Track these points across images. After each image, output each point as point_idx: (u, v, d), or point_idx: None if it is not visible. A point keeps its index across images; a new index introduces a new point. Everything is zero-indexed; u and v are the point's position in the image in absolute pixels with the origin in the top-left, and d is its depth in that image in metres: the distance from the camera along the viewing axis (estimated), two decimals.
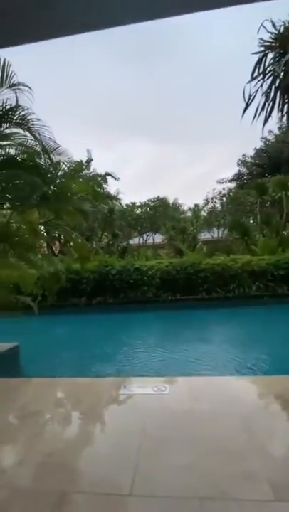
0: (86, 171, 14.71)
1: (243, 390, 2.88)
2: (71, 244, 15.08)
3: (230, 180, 22.72)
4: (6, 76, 4.54)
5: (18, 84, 4.59)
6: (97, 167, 17.12)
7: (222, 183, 23.01)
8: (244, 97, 4.05)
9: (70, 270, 9.37)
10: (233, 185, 23.05)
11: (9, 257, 5.02)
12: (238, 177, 22.55)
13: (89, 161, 16.31)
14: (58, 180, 5.07)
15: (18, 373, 4.40)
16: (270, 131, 19.68)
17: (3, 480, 1.80)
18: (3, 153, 4.87)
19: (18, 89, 4.58)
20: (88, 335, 7.26)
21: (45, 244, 12.62)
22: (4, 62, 4.51)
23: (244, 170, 22.57)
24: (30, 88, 4.60)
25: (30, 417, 2.46)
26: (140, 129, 33.35)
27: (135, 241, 24.47)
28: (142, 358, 5.24)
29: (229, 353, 5.29)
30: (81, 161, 14.68)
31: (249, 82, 3.97)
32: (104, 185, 16.92)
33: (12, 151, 4.84)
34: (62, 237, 15.37)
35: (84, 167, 14.32)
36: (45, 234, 10.93)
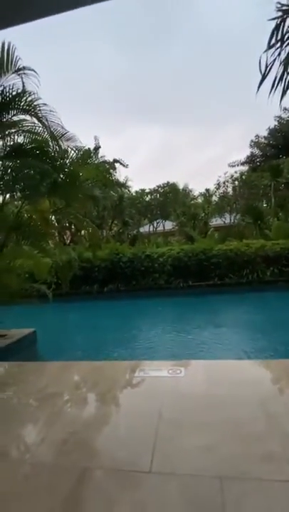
0: (94, 159, 14.52)
1: (260, 374, 2.86)
2: (82, 233, 15.21)
3: (243, 163, 21.79)
4: (11, 61, 4.43)
5: (24, 68, 4.48)
6: (105, 154, 16.86)
7: (234, 166, 22.14)
8: (260, 68, 3.73)
9: (81, 259, 9.48)
10: (245, 168, 22.20)
11: (22, 245, 5.09)
12: (250, 159, 21.59)
13: (97, 148, 16.08)
14: (67, 166, 5.00)
15: (35, 357, 4.57)
16: (285, 109, 18.60)
17: (27, 455, 1.88)
18: (11, 143, 4.83)
19: (24, 73, 4.47)
20: (101, 321, 7.41)
21: (56, 234, 12.76)
22: (9, 46, 4.39)
23: (257, 152, 21.57)
24: (35, 72, 4.48)
25: (49, 398, 2.55)
26: (147, 113, 32.44)
27: (145, 229, 24.36)
28: (153, 342, 5.31)
29: (244, 338, 5.26)
30: (88, 148, 14.48)
31: (266, 51, 3.63)
32: (113, 173, 16.72)
33: (20, 139, 4.79)
34: (73, 227, 15.50)
35: (92, 154, 14.14)
36: (56, 224, 11.03)
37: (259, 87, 3.42)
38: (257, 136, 21.37)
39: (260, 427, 1.89)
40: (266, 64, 3.83)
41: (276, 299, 8.09)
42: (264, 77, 3.54)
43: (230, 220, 20.67)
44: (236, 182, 22.99)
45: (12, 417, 2.33)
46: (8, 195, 5.38)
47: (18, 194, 5.29)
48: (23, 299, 4.96)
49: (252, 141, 21.50)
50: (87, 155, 6.96)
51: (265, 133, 20.92)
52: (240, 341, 4.97)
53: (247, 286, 8.96)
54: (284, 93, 3.32)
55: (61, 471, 1.66)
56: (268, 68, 3.68)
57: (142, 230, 22.75)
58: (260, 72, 3.68)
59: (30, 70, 4.43)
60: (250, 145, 21.59)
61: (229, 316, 7.17)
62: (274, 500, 1.37)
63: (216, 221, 21.53)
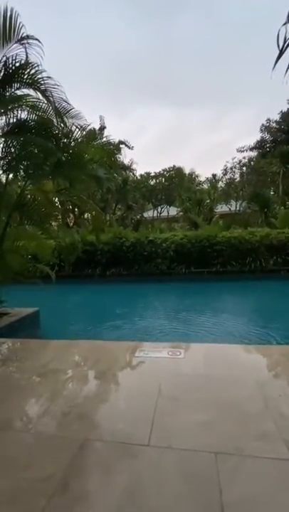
0: (99, 139, 14.14)
1: (258, 358, 2.90)
2: (86, 216, 15.07)
3: (252, 149, 21.21)
4: (14, 29, 4.19)
5: (27, 37, 4.25)
6: (111, 134, 16.37)
7: (242, 151, 21.55)
8: (278, 42, 3.51)
9: (84, 242, 9.48)
10: (254, 153, 21.59)
11: (25, 225, 5.06)
12: (260, 144, 20.95)
13: (102, 128, 15.62)
14: (72, 145, 4.86)
15: (38, 335, 4.67)
16: None
17: (30, 426, 1.95)
18: (14, 119, 4.67)
19: (27, 43, 4.25)
20: (103, 303, 7.52)
21: (60, 216, 12.68)
22: (12, 13, 4.15)
23: (267, 137, 20.87)
24: (39, 42, 4.26)
25: (51, 374, 2.62)
26: (155, 93, 31.17)
27: (149, 214, 24.13)
28: (151, 324, 5.42)
29: (241, 323, 5.32)
30: (94, 128, 14.06)
31: (285, 23, 3.41)
32: (118, 155, 16.31)
33: (24, 115, 4.63)
34: (76, 210, 15.37)
35: (97, 135, 13.75)
36: (59, 206, 10.91)
37: (276, 62, 3.22)
38: (268, 120, 20.58)
39: (257, 408, 1.93)
40: (285, 38, 3.59)
41: (277, 287, 8.10)
42: (282, 52, 3.33)
43: (236, 207, 20.35)
44: (244, 168, 22.44)
45: (16, 391, 2.41)
46: (11, 175, 5.29)
47: (22, 173, 5.20)
48: (26, 279, 5.01)
49: (263, 125, 20.74)
50: (92, 135, 6.75)
51: (277, 117, 20.12)
52: (233, 326, 5.08)
53: (249, 274, 8.94)
54: None
55: (62, 441, 1.73)
56: (287, 43, 3.46)
57: (145, 215, 22.53)
58: (278, 46, 3.47)
59: (34, 39, 4.20)
60: (261, 129, 20.86)
61: (227, 303, 7.26)
62: (266, 477, 1.42)
63: (221, 208, 21.21)
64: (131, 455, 1.60)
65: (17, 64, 4.16)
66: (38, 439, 1.78)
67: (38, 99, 4.44)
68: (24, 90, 4.44)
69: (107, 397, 2.29)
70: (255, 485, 1.37)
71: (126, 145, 16.52)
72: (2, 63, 4.15)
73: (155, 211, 25.49)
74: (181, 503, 1.29)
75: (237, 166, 23.00)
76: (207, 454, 1.55)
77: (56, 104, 4.25)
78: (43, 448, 1.71)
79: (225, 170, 23.47)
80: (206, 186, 23.96)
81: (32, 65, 4.15)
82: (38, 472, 1.50)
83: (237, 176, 23.25)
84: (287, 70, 3.47)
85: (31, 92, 4.42)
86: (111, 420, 1.93)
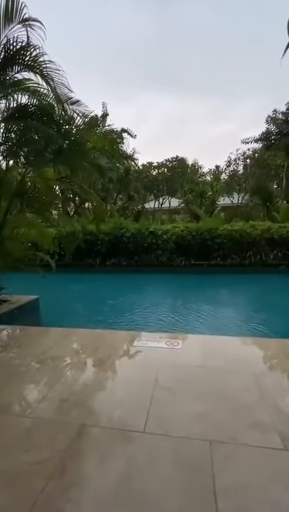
0: (102, 127, 13.85)
1: (256, 350, 2.93)
2: (86, 205, 14.94)
3: (257, 140, 20.76)
4: (16, 9, 4.04)
5: (29, 19, 4.09)
6: (113, 123, 16.04)
7: (247, 142, 21.11)
8: (288, 31, 3.40)
9: (85, 231, 9.46)
10: (259, 145, 21.18)
11: (26, 213, 5.03)
12: (265, 136, 20.50)
13: (104, 115, 15.28)
14: (73, 132, 4.76)
15: (38, 323, 4.72)
16: None
17: (29, 411, 1.99)
18: (15, 104, 4.55)
19: (29, 24, 4.10)
20: (102, 292, 7.57)
21: (60, 205, 12.59)
22: None
23: (273, 128, 20.41)
24: (42, 24, 4.11)
25: (50, 361, 2.66)
26: (159, 81, 30.30)
27: (150, 205, 23.94)
28: (148, 314, 5.48)
29: (241, 317, 5.37)
30: (96, 115, 13.76)
31: None
32: (121, 144, 16.02)
33: (24, 99, 4.51)
34: (77, 199, 15.22)
35: (99, 122, 13.46)
36: (60, 194, 10.80)
37: (285, 51, 3.12)
38: (275, 111, 20.05)
39: (252, 399, 1.97)
40: None
41: (274, 281, 8.14)
42: None
43: (239, 200, 20.18)
44: (248, 160, 22.10)
45: (15, 376, 2.45)
46: (11, 161, 5.20)
47: (22, 160, 5.12)
48: (26, 267, 5.01)
49: (269, 116, 20.23)
50: (94, 122, 6.61)
51: (284, 108, 19.59)
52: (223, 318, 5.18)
53: (249, 267, 8.95)
54: None
55: (60, 426, 1.77)
56: None
57: (147, 205, 22.36)
58: None
59: (36, 21, 4.06)
60: (267, 121, 20.34)
61: (223, 295, 7.34)
62: (259, 465, 1.46)
63: (223, 200, 21.03)
64: (127, 441, 1.63)
65: (18, 46, 4.03)
66: (36, 424, 1.82)
67: (39, 84, 4.32)
68: (25, 74, 4.32)
69: (104, 384, 2.33)
70: (248, 473, 1.40)
71: (129, 133, 16.20)
72: (2, 45, 4.01)
73: (156, 202, 25.28)
74: (175, 488, 1.33)
75: (241, 157, 22.65)
76: (202, 442, 1.59)
77: (58, 90, 4.14)
78: (41, 432, 1.75)
79: (228, 162, 23.15)
80: (208, 178, 23.68)
81: (34, 47, 4.01)
82: (37, 455, 1.54)
83: (240, 168, 22.95)
84: None
85: (32, 76, 4.31)
86: (108, 407, 1.97)
